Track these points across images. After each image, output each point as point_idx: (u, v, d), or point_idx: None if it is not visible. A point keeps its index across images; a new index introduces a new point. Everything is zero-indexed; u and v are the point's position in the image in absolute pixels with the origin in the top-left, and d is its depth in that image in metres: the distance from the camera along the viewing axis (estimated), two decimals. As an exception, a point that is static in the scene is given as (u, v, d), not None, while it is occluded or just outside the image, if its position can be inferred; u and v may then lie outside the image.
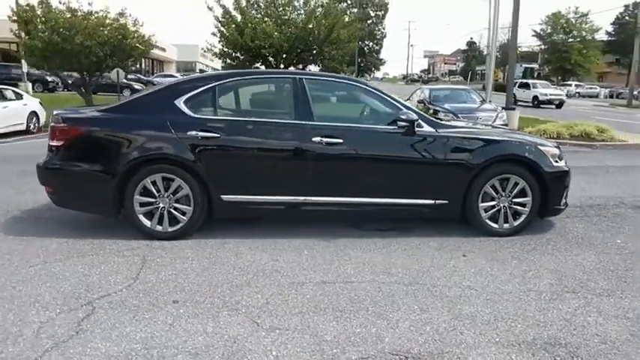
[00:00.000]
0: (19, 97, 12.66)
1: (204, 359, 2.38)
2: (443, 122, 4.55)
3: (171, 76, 40.40)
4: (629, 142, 11.37)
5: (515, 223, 4.39)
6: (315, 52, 16.58)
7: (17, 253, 3.77)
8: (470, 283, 3.33)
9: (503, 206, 4.37)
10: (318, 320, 2.77)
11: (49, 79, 29.09)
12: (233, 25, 15.87)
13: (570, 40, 46.38)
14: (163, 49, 41.74)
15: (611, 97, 41.37)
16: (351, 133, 4.26)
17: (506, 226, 4.39)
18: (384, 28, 46.88)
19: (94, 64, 15.69)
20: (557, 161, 4.48)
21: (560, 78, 50.05)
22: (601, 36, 48.70)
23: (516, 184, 4.34)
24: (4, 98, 11.94)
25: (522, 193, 4.35)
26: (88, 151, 4.13)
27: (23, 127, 12.24)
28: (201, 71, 39.65)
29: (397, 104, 4.42)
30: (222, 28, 16.29)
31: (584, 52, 46.00)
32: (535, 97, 27.57)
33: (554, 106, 26.85)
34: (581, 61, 46.24)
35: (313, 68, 18.38)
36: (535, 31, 50.57)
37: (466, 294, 3.15)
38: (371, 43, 45.73)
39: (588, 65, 46.82)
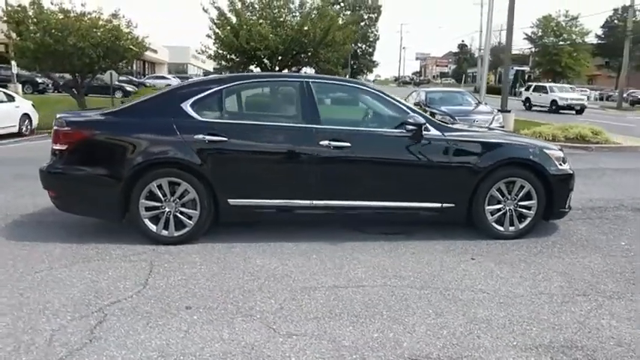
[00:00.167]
0: (10, 99, 12.47)
1: (222, 366, 2.35)
2: (449, 125, 4.56)
3: (163, 77, 40.26)
4: (624, 145, 11.53)
5: (521, 226, 4.42)
6: (310, 54, 16.58)
7: (21, 259, 3.71)
8: (482, 287, 3.33)
9: (509, 209, 4.39)
10: (335, 325, 2.75)
11: (39, 80, 28.78)
12: (228, 27, 15.81)
13: (561, 43, 46.93)
14: (155, 51, 41.52)
15: (601, 99, 41.94)
16: (359, 137, 4.26)
17: (511, 229, 4.41)
18: (377, 31, 47.10)
19: (87, 66, 15.53)
20: (561, 164, 4.52)
21: (550, 80, 50.59)
22: (591, 39, 49.42)
23: (522, 187, 4.36)
24: (-4, 100, 11.78)
25: (528, 196, 4.38)
26: (93, 155, 4.08)
27: (15, 130, 12.06)
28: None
29: (404, 107, 4.43)
30: (217, 30, 16.22)
31: (575, 54, 46.58)
32: (554, 102, 25.31)
33: (573, 112, 24.44)
34: (571, 64, 46.80)
35: (308, 70, 18.38)
36: (526, 34, 51.14)
37: (479, 297, 3.16)
38: (364, 46, 45.88)
39: (578, 68, 47.41)
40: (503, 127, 11.76)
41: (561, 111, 24.64)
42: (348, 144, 4.15)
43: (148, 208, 4.04)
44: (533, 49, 51.54)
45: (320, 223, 4.58)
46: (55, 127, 4.15)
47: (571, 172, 4.58)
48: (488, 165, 4.28)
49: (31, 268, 3.53)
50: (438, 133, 4.31)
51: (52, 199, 4.25)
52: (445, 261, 3.83)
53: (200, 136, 4.01)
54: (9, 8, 15.35)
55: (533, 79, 56.46)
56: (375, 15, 45.25)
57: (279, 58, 16.25)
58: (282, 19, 16.20)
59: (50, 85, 28.75)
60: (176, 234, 4.08)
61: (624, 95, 34.61)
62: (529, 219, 4.42)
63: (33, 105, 13.49)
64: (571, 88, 29.01)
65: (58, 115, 4.24)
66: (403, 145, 4.24)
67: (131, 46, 16.14)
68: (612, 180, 7.45)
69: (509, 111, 13.92)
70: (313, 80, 4.38)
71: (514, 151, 4.44)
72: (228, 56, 16.76)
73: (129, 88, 28.12)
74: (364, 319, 2.82)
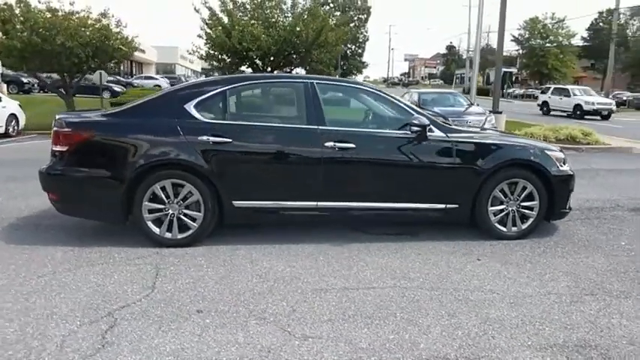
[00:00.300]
0: (-4, 99, 12.24)
1: (240, 371, 2.33)
2: (452, 127, 4.58)
3: (152, 78, 39.84)
4: (613, 145, 11.73)
5: (523, 227, 4.46)
6: (302, 54, 16.54)
7: (22, 263, 3.63)
8: (491, 287, 3.35)
9: (512, 210, 4.43)
10: (349, 327, 2.74)
11: (25, 80, 28.29)
12: (220, 27, 15.70)
13: (547, 45, 47.66)
14: (143, 51, 41.05)
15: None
16: (364, 138, 4.25)
17: (514, 229, 4.45)
18: (366, 32, 47.28)
19: (76, 66, 15.27)
20: (562, 165, 4.57)
21: (537, 82, 51.34)
22: (577, 41, 50.28)
23: (524, 187, 4.40)
24: (-18, 101, 11.54)
25: (530, 197, 4.42)
26: (95, 157, 4.01)
27: (2, 131, 11.84)
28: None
29: (408, 109, 4.44)
30: (208, 30, 16.09)
31: (561, 56, 47.33)
32: (578, 107, 22.84)
33: (599, 118, 22.22)
34: (557, 66, 47.53)
35: (300, 71, 18.35)
36: (513, 36, 51.80)
37: (489, 298, 3.17)
38: (353, 47, 45.99)
39: (565, 70, 48.18)
40: (495, 127, 11.87)
41: (586, 117, 22.07)
42: (353, 145, 4.14)
43: (151, 211, 3.98)
44: (520, 51, 52.24)
45: (322, 225, 4.57)
46: (54, 128, 4.06)
47: (571, 172, 4.64)
48: (492, 166, 4.31)
49: (34, 273, 3.46)
50: (441, 134, 4.32)
51: (51, 202, 4.17)
52: (452, 262, 3.84)
53: (204, 138, 3.97)
54: (-6, 7, 15.05)
55: (521, 81, 57.16)
56: (365, 16, 45.42)
57: (271, 58, 16.19)
58: (274, 20, 16.14)
59: (36, 85, 28.28)
60: (180, 236, 4.03)
61: (610, 97, 35.26)
62: (531, 219, 4.46)
63: (20, 105, 13.24)
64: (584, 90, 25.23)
65: (57, 116, 4.16)
66: (408, 147, 4.24)
67: (121, 46, 15.93)
68: (606, 180, 7.57)
69: (500, 112, 14.05)
70: (318, 81, 4.37)
71: (516, 152, 4.48)
72: (219, 57, 16.64)
73: (117, 88, 27.75)
74: (378, 321, 2.82)
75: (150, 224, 4.00)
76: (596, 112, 22.36)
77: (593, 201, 5.94)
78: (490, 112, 13.14)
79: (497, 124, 12.68)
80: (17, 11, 14.81)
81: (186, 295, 3.13)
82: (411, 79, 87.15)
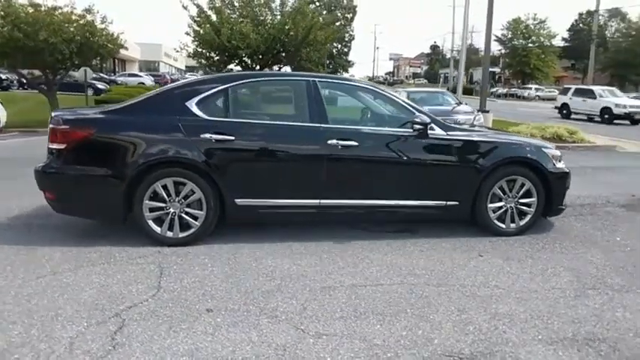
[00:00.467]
0: (-22, 96, 11.89)
1: (257, 369, 2.30)
2: (452, 125, 4.62)
3: (136, 75, 39.22)
4: (598, 144, 11.99)
5: (522, 223, 4.52)
6: (291, 53, 16.48)
7: (19, 264, 3.54)
8: (496, 283, 3.39)
9: (510, 207, 4.49)
10: (362, 324, 2.74)
11: (3, 76, 27.59)
12: (208, 25, 15.53)
13: (530, 45, 48.44)
14: (126, 48, 40.34)
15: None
16: (366, 136, 4.26)
17: (512, 225, 4.51)
18: (352, 31, 47.32)
19: (59, 62, 14.95)
20: (558, 162, 4.65)
21: (520, 81, 52.17)
22: (557, 42, 51.21)
23: (522, 185, 4.47)
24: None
25: (528, 194, 4.49)
26: (94, 154, 3.92)
27: (-16, 129, 11.53)
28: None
29: (409, 107, 4.46)
30: (197, 28, 15.91)
31: (543, 56, 48.15)
32: (606, 110, 19.60)
33: (628, 123, 19.00)
34: (539, 66, 48.36)
35: (288, 69, 18.27)
36: (497, 36, 52.40)
37: (496, 293, 3.21)
38: (340, 45, 45.99)
39: (546, 69, 49.06)
40: (483, 126, 12.02)
41: (616, 121, 19.20)
42: (356, 143, 4.14)
43: (152, 209, 3.92)
44: (503, 51, 52.99)
45: (323, 222, 4.56)
46: (51, 126, 3.96)
47: (567, 170, 4.73)
48: (491, 163, 4.36)
49: (33, 273, 3.37)
50: (442, 132, 4.36)
51: (48, 201, 4.07)
52: (455, 258, 3.88)
53: (207, 136, 3.92)
54: (-26, 1, 14.62)
55: (504, 80, 57.98)
56: (351, 15, 45.43)
57: (260, 56, 16.09)
58: (262, 18, 16.04)
59: (15, 82, 27.59)
60: (181, 235, 3.98)
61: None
62: (529, 216, 4.52)
63: (1, 102, 12.89)
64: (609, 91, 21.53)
65: (53, 113, 4.07)
66: (409, 144, 4.26)
67: (107, 43, 15.64)
68: (594, 178, 7.73)
69: (487, 111, 14.24)
70: (320, 79, 4.36)
71: (515, 150, 4.54)
72: (207, 54, 16.46)
73: (100, 85, 27.27)
74: (390, 318, 2.82)
75: (151, 223, 3.93)
76: (627, 117, 19.12)
77: (585, 198, 6.06)
78: (478, 111, 13.30)
79: (484, 123, 12.85)
80: (-2, 6, 14.43)
81: (193, 295, 3.09)
82: (395, 78, 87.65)
